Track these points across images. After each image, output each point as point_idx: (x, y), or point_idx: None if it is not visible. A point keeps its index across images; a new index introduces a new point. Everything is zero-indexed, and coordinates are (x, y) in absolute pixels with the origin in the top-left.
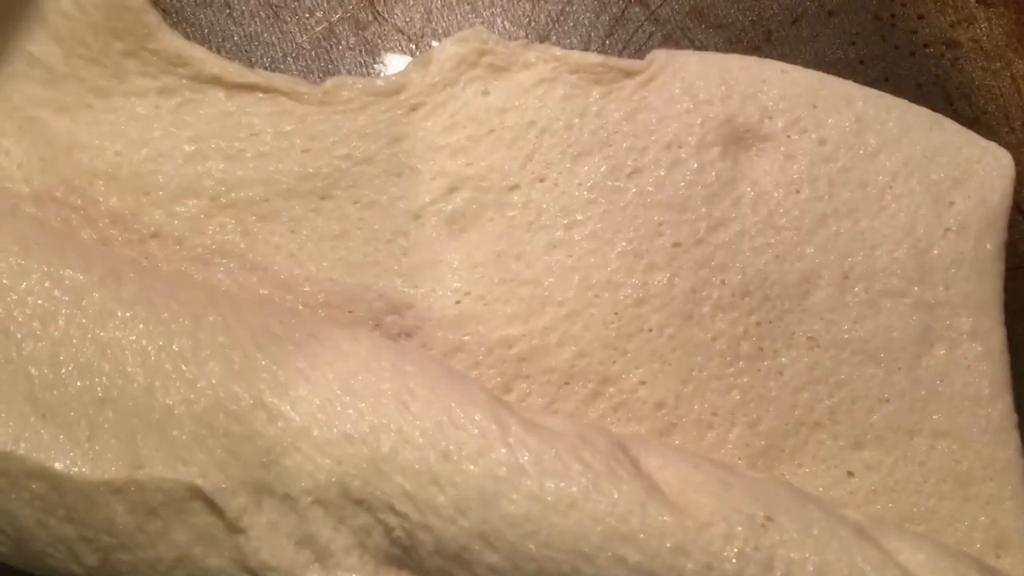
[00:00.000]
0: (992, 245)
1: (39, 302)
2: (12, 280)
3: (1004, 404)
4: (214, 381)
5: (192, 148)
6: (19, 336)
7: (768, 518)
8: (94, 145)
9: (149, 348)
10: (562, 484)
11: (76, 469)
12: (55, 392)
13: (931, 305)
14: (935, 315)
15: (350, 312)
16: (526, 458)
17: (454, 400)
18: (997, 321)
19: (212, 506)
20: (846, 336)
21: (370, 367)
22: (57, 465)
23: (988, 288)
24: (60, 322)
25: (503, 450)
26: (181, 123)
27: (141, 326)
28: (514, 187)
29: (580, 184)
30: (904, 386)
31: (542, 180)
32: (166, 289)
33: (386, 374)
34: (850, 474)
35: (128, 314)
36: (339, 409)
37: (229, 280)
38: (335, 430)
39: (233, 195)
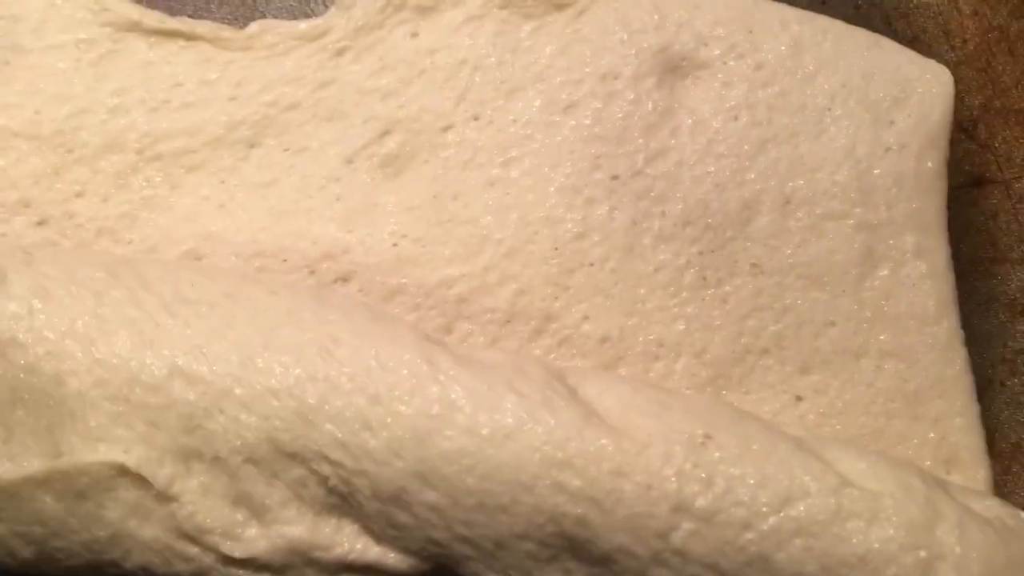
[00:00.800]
0: (933, 163)
1: None
2: None
3: (950, 322)
4: (124, 356)
5: (115, 102)
6: None
7: (707, 436)
8: (11, 104)
9: (50, 337)
10: (496, 416)
11: None
12: None
13: (874, 226)
14: (878, 236)
15: (284, 260)
16: (458, 393)
17: (382, 343)
18: (941, 239)
19: (139, 480)
20: (790, 261)
21: (291, 320)
22: None
23: (931, 206)
24: None
25: (435, 388)
26: (103, 76)
27: (40, 318)
28: (448, 127)
29: (515, 121)
30: (849, 308)
31: (476, 119)
32: (62, 275)
33: (308, 324)
34: (798, 399)
35: (23, 309)
36: (260, 365)
37: (158, 235)
38: (258, 387)
39: (159, 148)
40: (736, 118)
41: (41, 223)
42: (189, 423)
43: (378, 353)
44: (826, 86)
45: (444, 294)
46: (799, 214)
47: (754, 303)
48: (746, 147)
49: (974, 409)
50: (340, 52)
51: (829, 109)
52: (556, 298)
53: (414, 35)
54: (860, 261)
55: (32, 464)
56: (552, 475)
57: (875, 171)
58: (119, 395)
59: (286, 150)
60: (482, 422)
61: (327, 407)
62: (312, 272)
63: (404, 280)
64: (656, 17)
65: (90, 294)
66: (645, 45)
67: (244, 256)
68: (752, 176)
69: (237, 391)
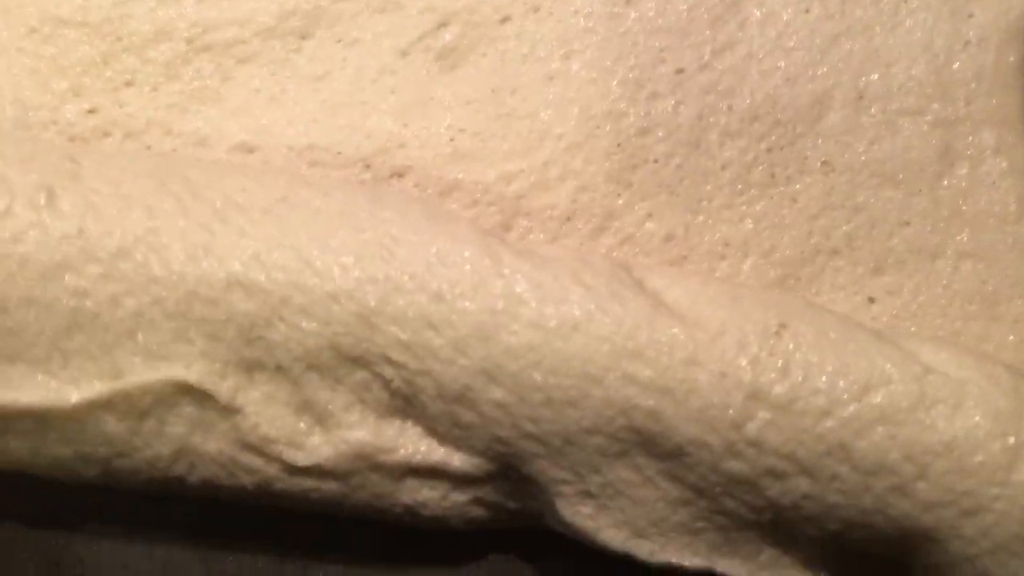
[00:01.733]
0: (1016, 57)
1: None
2: None
3: None
4: (180, 270)
5: None
6: None
7: (782, 325)
8: None
9: (103, 257)
10: (563, 308)
11: (57, 399)
12: (15, 337)
13: (951, 122)
14: (956, 132)
15: (338, 154)
16: (523, 286)
17: (441, 239)
18: (1022, 136)
19: (202, 394)
20: (862, 159)
21: (346, 221)
22: (36, 400)
23: (1011, 102)
24: None
25: (498, 282)
26: None
27: (92, 238)
28: (506, 19)
29: (576, 12)
30: (925, 207)
31: (536, 10)
32: (109, 188)
33: (364, 224)
34: (871, 300)
35: (73, 230)
36: (319, 268)
37: (209, 128)
38: (317, 292)
39: (209, 37)
40: (807, 10)
41: (92, 111)
42: (250, 334)
43: (438, 250)
44: None
45: (502, 190)
46: (873, 110)
47: (825, 201)
48: (818, 40)
49: None
50: None
51: (905, 1)
52: (619, 195)
53: None
54: (937, 158)
55: (93, 387)
56: (622, 366)
57: (953, 65)
58: (177, 311)
59: (339, 41)
60: (548, 315)
61: (389, 308)
62: (367, 167)
63: (461, 176)
64: None
65: (140, 208)
66: None
67: (296, 149)
68: (824, 70)
69: (297, 298)
